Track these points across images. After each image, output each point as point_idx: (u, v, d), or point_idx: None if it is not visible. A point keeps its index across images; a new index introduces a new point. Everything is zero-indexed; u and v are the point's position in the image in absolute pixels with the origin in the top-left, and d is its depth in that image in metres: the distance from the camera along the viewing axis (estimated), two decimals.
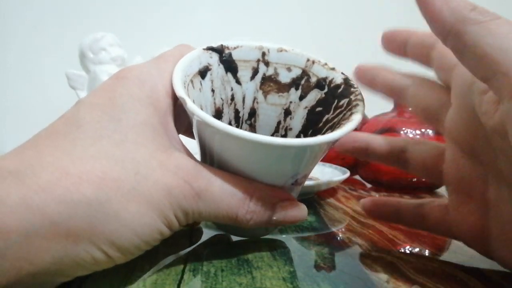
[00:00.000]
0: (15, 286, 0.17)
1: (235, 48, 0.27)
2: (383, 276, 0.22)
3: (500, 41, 0.17)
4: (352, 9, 0.86)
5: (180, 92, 0.22)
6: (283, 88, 0.28)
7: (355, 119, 0.23)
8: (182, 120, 0.25)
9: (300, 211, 0.24)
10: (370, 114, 0.59)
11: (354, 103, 0.25)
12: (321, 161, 0.53)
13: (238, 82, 0.27)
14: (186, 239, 0.29)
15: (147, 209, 0.19)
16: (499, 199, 0.22)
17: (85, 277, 0.21)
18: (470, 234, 0.23)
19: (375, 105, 0.55)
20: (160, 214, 0.20)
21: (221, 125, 0.20)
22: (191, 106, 0.21)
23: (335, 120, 0.25)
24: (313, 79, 0.27)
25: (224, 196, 0.22)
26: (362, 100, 0.25)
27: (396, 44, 0.26)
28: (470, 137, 0.22)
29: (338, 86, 0.26)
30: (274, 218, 0.24)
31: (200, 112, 0.21)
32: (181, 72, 0.23)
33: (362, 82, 0.28)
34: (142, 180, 0.19)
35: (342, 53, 0.81)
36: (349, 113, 0.24)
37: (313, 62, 0.27)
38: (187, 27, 0.80)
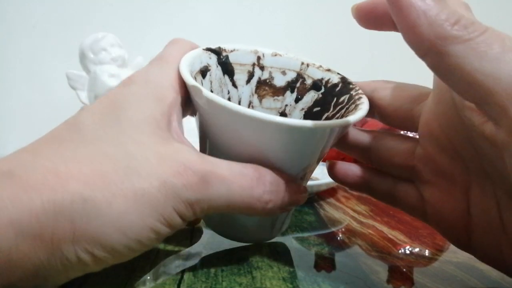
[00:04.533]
0: None
1: (232, 51, 0.27)
2: (383, 276, 0.22)
3: (490, 66, 0.15)
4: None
5: (192, 82, 0.21)
6: (278, 91, 0.28)
7: (364, 108, 0.23)
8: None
9: (302, 194, 0.24)
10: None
11: (357, 97, 0.25)
12: (322, 161, 0.53)
13: (234, 85, 0.27)
14: (186, 239, 0.29)
15: (135, 205, 0.18)
16: (484, 195, 0.20)
17: (84, 278, 0.21)
18: (449, 228, 0.22)
19: None
20: (153, 210, 0.18)
21: (249, 111, 0.20)
22: (208, 93, 0.20)
23: (337, 116, 0.26)
24: (309, 81, 0.28)
25: (234, 178, 0.20)
26: (364, 94, 0.25)
27: (376, 16, 0.20)
28: (449, 131, 0.21)
29: (335, 85, 0.27)
30: (287, 200, 0.22)
31: (221, 100, 0.20)
32: (187, 68, 0.23)
33: None
34: (132, 173, 0.18)
35: (343, 52, 0.81)
36: (353, 105, 0.25)
37: (308, 65, 0.28)
38: (188, 27, 0.80)
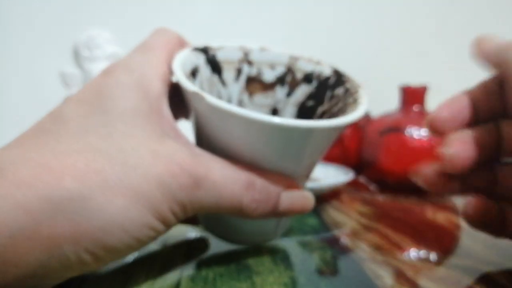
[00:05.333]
0: None
1: (218, 49, 0.26)
2: (388, 281, 0.22)
3: None
4: (354, 8, 0.85)
5: (193, 88, 0.21)
6: (268, 87, 0.28)
7: (365, 102, 0.23)
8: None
9: (307, 200, 0.23)
10: (375, 113, 0.58)
11: (353, 89, 0.25)
12: (324, 160, 0.52)
13: (223, 83, 0.27)
14: (184, 244, 0.28)
15: (134, 203, 0.18)
16: None
17: (79, 283, 0.21)
18: None
19: (381, 104, 0.55)
20: (151, 207, 0.18)
21: (253, 114, 0.19)
22: (212, 100, 0.20)
23: (334, 109, 0.25)
24: (299, 75, 0.27)
25: (226, 183, 0.20)
26: (360, 86, 0.25)
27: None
28: None
29: (328, 77, 0.26)
30: (280, 208, 0.22)
31: (225, 105, 0.20)
32: (182, 71, 0.23)
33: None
34: (129, 171, 0.18)
35: (343, 51, 0.81)
36: (351, 99, 0.24)
37: (297, 58, 0.27)
38: (185, 24, 0.79)
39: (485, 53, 0.22)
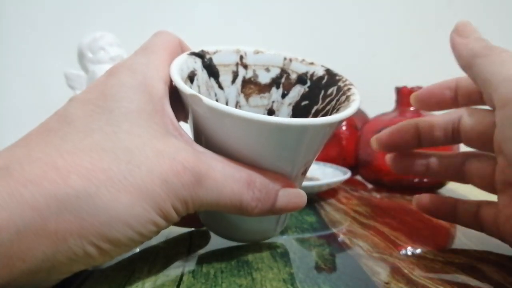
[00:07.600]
0: (9, 286, 0.17)
1: (214, 52, 0.27)
2: (384, 278, 0.22)
3: (494, 68, 0.22)
4: (350, 10, 0.86)
5: (190, 90, 0.21)
6: (263, 88, 0.28)
7: (357, 99, 0.24)
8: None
9: (301, 198, 0.24)
10: (371, 113, 0.58)
11: (346, 88, 0.25)
12: (322, 161, 0.53)
13: (220, 87, 0.27)
14: (186, 241, 0.29)
15: (139, 200, 0.18)
16: None
17: (83, 278, 0.21)
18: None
19: (377, 104, 0.55)
20: (155, 204, 0.19)
21: (250, 114, 0.20)
22: (209, 101, 0.20)
23: (328, 107, 0.26)
24: (293, 76, 0.28)
25: (226, 181, 0.21)
26: (352, 84, 0.25)
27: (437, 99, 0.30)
28: None
29: (321, 77, 0.27)
30: (277, 206, 0.23)
31: (222, 106, 0.20)
32: (179, 75, 0.23)
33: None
34: (134, 169, 0.19)
35: (344, 51, 0.81)
36: (344, 97, 0.25)
37: (291, 60, 0.28)
38: (188, 26, 0.80)
39: (458, 52, 0.25)
